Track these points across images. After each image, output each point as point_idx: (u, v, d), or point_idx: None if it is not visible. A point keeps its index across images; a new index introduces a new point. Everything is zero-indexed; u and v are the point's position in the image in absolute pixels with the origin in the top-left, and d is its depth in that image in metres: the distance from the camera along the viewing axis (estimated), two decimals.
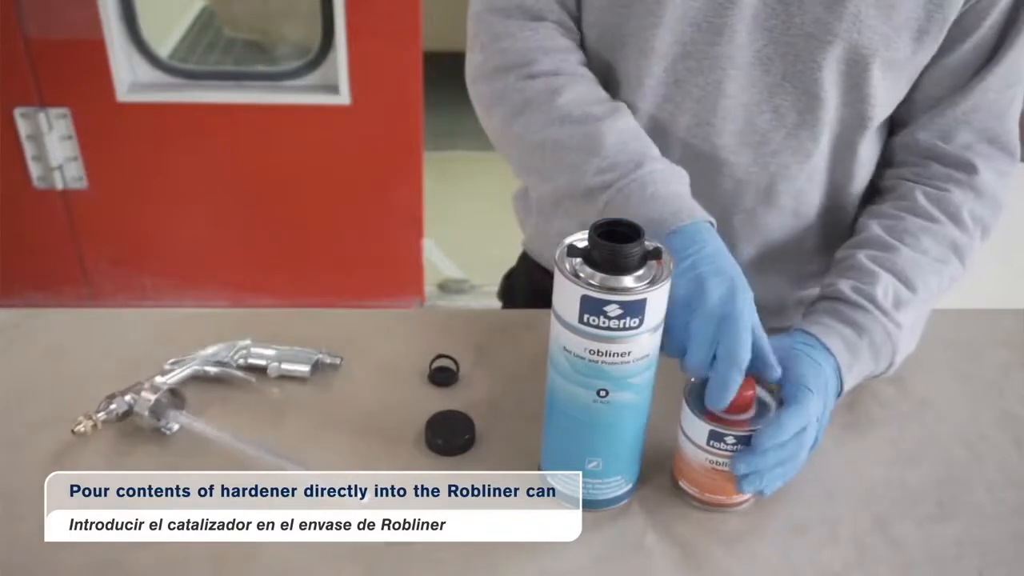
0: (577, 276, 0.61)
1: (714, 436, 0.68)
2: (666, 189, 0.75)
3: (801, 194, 0.88)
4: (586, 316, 0.61)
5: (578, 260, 0.62)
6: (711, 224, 0.74)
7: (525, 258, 1.12)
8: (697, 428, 0.69)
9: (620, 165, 0.76)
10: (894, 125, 0.89)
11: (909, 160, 0.88)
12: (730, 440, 0.68)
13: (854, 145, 0.86)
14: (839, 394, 0.75)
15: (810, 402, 0.69)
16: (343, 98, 2.13)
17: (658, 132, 0.84)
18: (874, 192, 0.92)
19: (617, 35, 0.82)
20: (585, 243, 0.63)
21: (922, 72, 0.83)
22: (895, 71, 0.80)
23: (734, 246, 0.89)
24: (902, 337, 0.78)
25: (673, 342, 0.68)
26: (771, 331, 0.94)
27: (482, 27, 0.85)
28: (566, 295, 0.62)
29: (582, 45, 0.86)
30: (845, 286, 0.79)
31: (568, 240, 0.64)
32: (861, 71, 0.79)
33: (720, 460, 0.69)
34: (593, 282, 0.61)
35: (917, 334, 0.81)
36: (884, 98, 0.82)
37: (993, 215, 0.85)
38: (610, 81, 0.85)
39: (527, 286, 1.10)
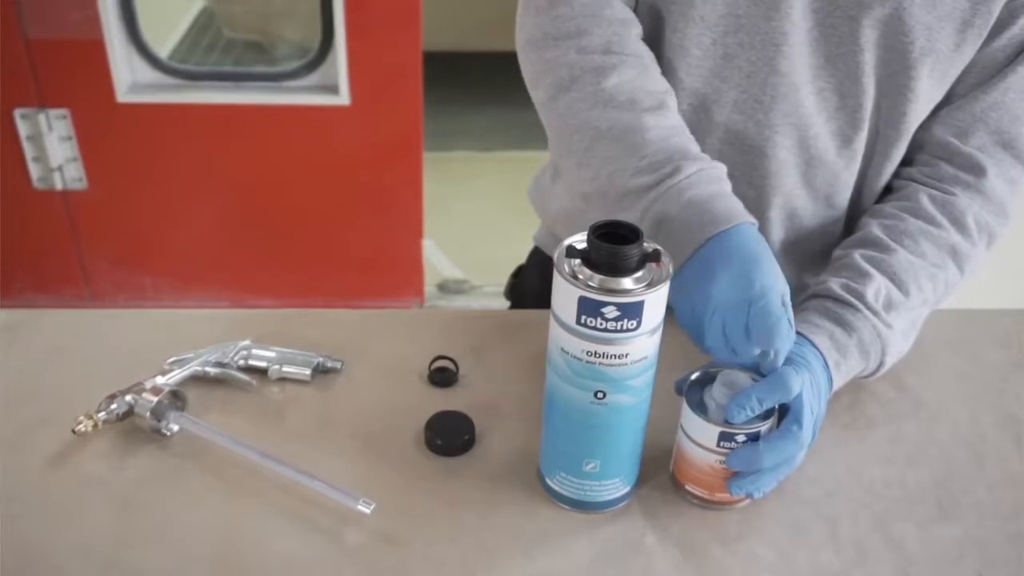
0: (576, 277, 0.61)
1: (724, 437, 0.68)
2: (706, 191, 0.72)
3: (837, 181, 0.87)
4: (584, 317, 0.61)
5: (577, 261, 0.62)
6: (752, 224, 0.72)
7: (537, 253, 1.12)
8: (704, 430, 0.69)
9: (658, 166, 0.73)
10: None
11: (920, 158, 0.87)
12: (740, 439, 0.68)
13: (890, 139, 0.86)
14: (828, 391, 0.75)
15: (789, 377, 0.68)
16: (343, 98, 2.13)
17: (703, 109, 0.83)
18: (883, 190, 0.91)
19: (664, 1, 0.81)
20: (584, 244, 0.63)
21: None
22: (937, 66, 0.80)
23: (768, 228, 0.89)
24: (893, 339, 0.78)
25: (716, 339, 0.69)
26: None
27: None
28: (564, 296, 0.62)
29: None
30: (835, 284, 0.79)
31: (567, 241, 0.64)
32: (900, 59, 0.79)
33: (724, 459, 0.69)
34: (591, 283, 0.61)
35: (912, 337, 0.81)
36: (923, 93, 0.82)
37: (1000, 222, 0.84)
38: (656, 50, 0.84)
39: (539, 283, 1.09)
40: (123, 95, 2.12)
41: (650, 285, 0.61)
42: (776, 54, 0.79)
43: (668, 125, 0.76)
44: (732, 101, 0.83)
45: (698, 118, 0.84)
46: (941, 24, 0.77)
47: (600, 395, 0.65)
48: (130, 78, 2.14)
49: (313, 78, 2.16)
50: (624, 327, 0.61)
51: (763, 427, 0.68)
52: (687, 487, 0.73)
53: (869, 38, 0.78)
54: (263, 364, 0.84)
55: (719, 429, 0.68)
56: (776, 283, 0.68)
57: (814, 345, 0.74)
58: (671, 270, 0.62)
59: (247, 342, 0.85)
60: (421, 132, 2.24)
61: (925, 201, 0.84)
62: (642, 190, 0.73)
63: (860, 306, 0.77)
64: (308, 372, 0.84)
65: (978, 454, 0.80)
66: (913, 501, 0.74)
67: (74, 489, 0.72)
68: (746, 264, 0.68)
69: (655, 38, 0.83)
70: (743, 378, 0.70)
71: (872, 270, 0.79)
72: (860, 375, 0.79)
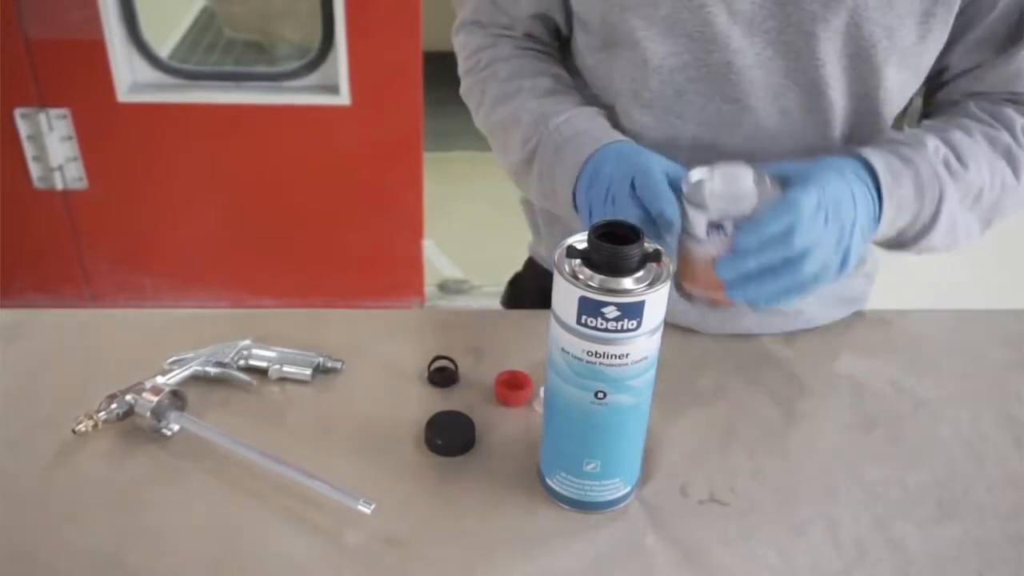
0: (576, 277, 0.61)
1: (714, 226, 0.66)
2: (572, 132, 0.80)
3: None
4: (584, 317, 0.61)
5: (577, 261, 0.62)
6: (613, 143, 0.77)
7: (532, 264, 1.12)
8: (697, 221, 0.66)
9: (534, 131, 0.82)
10: (928, 96, 0.86)
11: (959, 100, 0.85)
12: (729, 229, 0.65)
13: (868, 137, 0.84)
14: (877, 219, 0.72)
15: (801, 199, 0.65)
16: (343, 98, 2.13)
17: (665, 147, 0.84)
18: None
19: (611, 48, 0.83)
20: (585, 244, 0.63)
21: (947, 50, 0.80)
22: (903, 60, 0.78)
23: None
24: (951, 193, 0.74)
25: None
26: (784, 334, 0.94)
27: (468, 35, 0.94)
28: (565, 296, 0.62)
29: (568, 52, 0.91)
30: (891, 134, 0.75)
31: (568, 241, 0.64)
32: (864, 63, 0.77)
33: (717, 253, 0.67)
34: (592, 283, 0.61)
35: (959, 227, 0.77)
36: (895, 88, 0.81)
37: None
38: (609, 95, 0.86)
39: (535, 292, 1.09)
40: (123, 95, 2.12)
41: (651, 285, 0.61)
42: (725, 83, 0.79)
43: (543, 90, 0.86)
44: (691, 136, 0.83)
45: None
46: (902, 22, 0.75)
47: (600, 395, 0.65)
48: (130, 78, 2.14)
49: (313, 78, 2.17)
50: (624, 327, 0.61)
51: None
52: (685, 287, 0.70)
53: (829, 50, 0.76)
54: (263, 364, 0.84)
55: (707, 217, 0.66)
56: (656, 161, 0.71)
57: (865, 161, 0.71)
58: (672, 270, 0.62)
59: (247, 342, 0.86)
60: (421, 132, 2.24)
61: (973, 107, 0.81)
62: (529, 155, 0.83)
63: (919, 147, 0.74)
64: (308, 372, 0.84)
65: (978, 454, 0.80)
66: (913, 501, 0.74)
67: (74, 489, 0.72)
68: (627, 154, 0.75)
69: (607, 87, 0.86)
70: (742, 168, 0.67)
71: (929, 134, 0.76)
72: (911, 227, 0.75)
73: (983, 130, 0.79)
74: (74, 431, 0.75)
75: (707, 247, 0.68)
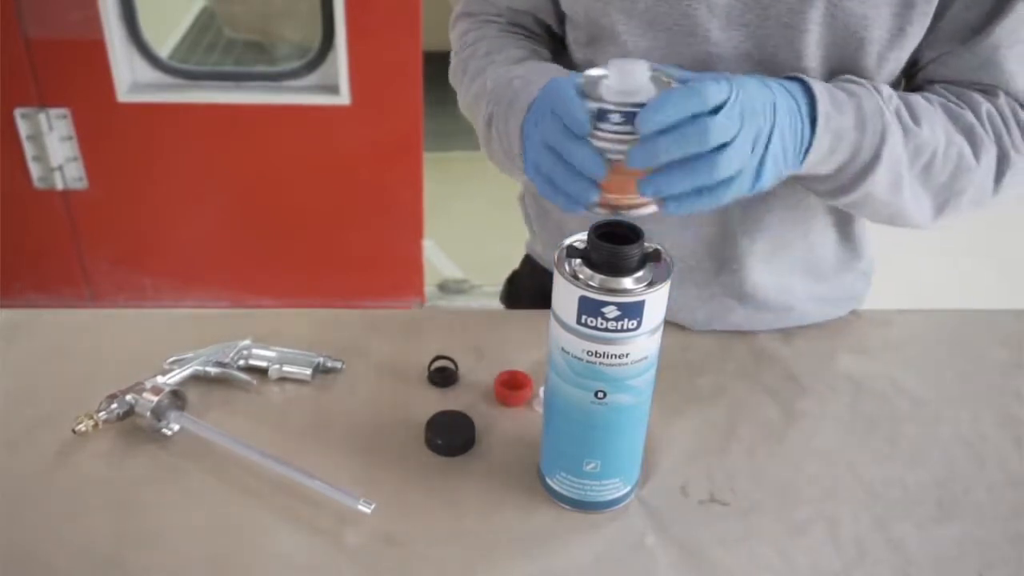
0: (576, 277, 0.61)
1: (600, 116, 0.62)
2: (524, 84, 0.76)
3: (796, 184, 0.86)
4: (584, 317, 0.61)
5: (577, 261, 0.62)
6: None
7: (529, 261, 1.12)
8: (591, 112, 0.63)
9: (493, 94, 0.79)
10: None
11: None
12: (616, 119, 0.62)
13: None
14: (808, 142, 0.69)
15: (709, 87, 0.61)
16: (343, 98, 2.13)
17: None
18: None
19: (596, 43, 0.84)
20: (585, 244, 0.63)
21: (919, 43, 0.79)
22: (883, 53, 0.78)
23: (736, 239, 0.89)
24: (895, 134, 0.71)
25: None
26: (782, 330, 0.94)
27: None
28: (565, 296, 0.62)
29: (563, 48, 0.91)
30: (844, 76, 0.75)
31: (568, 241, 0.64)
32: (843, 55, 0.77)
33: (611, 148, 0.62)
34: (592, 283, 0.61)
35: (905, 188, 0.75)
36: (877, 78, 0.80)
37: (1009, 139, 0.79)
38: None
39: (533, 290, 1.09)
40: (123, 95, 2.12)
41: (650, 285, 0.61)
42: None
43: (508, 60, 0.85)
44: None
45: None
46: (878, 11, 0.74)
47: (600, 395, 0.65)
48: (130, 78, 2.14)
49: (313, 78, 2.17)
50: (624, 327, 0.61)
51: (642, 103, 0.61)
52: (601, 196, 0.65)
53: (808, 42, 0.76)
54: (263, 364, 0.84)
55: (597, 106, 0.62)
56: (570, 77, 0.66)
57: (803, 83, 0.69)
58: (672, 269, 0.62)
59: (247, 342, 0.86)
60: (421, 132, 2.24)
61: (939, 87, 0.81)
62: (489, 118, 0.80)
63: (869, 86, 0.73)
64: (308, 372, 0.84)
65: (978, 454, 0.80)
66: (913, 501, 0.74)
67: (74, 489, 0.72)
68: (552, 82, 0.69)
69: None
70: (638, 63, 0.63)
71: (886, 87, 0.75)
72: (851, 164, 0.73)
73: (944, 104, 0.78)
74: (74, 431, 0.75)
75: (607, 143, 0.63)
